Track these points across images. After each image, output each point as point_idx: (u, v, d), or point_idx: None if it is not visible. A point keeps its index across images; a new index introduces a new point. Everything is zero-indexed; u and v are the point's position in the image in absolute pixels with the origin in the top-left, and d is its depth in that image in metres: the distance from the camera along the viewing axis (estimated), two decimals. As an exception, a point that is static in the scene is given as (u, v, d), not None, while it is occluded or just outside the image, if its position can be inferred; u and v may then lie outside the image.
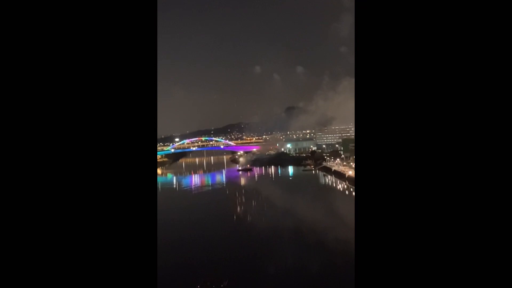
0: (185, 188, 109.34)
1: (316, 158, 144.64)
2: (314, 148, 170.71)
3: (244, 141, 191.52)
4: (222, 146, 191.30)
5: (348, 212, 60.43)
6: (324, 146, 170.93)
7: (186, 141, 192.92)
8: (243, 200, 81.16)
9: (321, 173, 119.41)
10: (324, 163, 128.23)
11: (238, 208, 72.91)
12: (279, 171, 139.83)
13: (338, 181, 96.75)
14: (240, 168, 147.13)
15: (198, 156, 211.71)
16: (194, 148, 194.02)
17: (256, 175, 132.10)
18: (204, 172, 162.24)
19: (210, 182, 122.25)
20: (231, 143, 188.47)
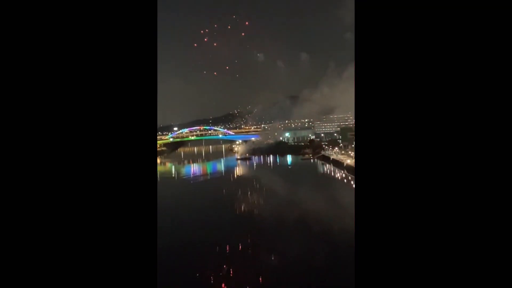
0: (184, 177, 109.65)
1: (315, 147, 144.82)
2: (313, 137, 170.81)
3: (243, 130, 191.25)
4: (220, 135, 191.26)
5: (346, 200, 60.87)
6: (322, 135, 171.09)
7: (185, 130, 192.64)
8: (242, 188, 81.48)
9: (319, 162, 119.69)
10: (322, 152, 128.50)
11: (237, 197, 73.27)
12: (278, 160, 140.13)
13: (337, 170, 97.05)
14: (238, 157, 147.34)
15: (196, 145, 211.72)
16: (192, 137, 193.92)
17: (254, 164, 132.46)
18: (203, 161, 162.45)
19: (208, 171, 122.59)
20: (230, 132, 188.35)
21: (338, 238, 40.29)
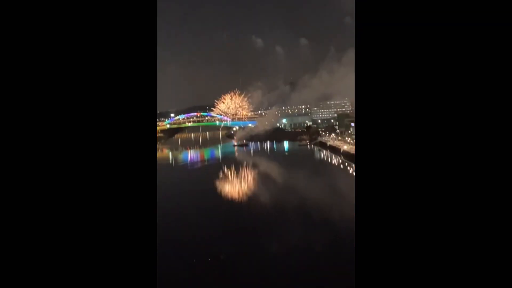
0: (181, 164, 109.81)
1: (312, 133, 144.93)
2: (310, 123, 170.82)
3: (240, 117, 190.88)
4: (217, 122, 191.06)
5: (343, 186, 61.32)
6: (319, 121, 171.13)
7: (182, 116, 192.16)
8: (239, 175, 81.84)
9: (316, 148, 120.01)
10: (319, 138, 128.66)
11: (234, 183, 73.67)
12: (275, 146, 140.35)
13: (333, 156, 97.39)
14: (235, 144, 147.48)
15: (193, 132, 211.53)
16: (189, 124, 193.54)
17: (252, 150, 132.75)
18: (200, 147, 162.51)
19: (206, 158, 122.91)
20: (227, 118, 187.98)
21: (337, 223, 40.81)
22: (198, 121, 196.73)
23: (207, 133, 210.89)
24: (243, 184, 73.70)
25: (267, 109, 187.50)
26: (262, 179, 76.28)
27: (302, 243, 36.52)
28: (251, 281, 28.97)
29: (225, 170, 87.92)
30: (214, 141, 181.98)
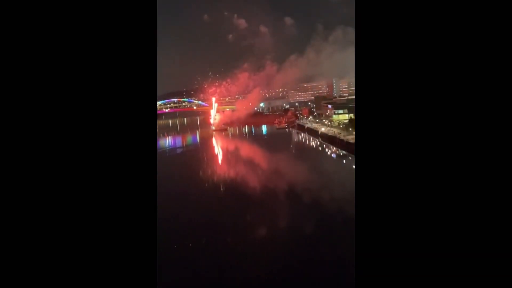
0: (159, 150, 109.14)
1: (289, 116, 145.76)
2: (287, 106, 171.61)
3: (219, 102, 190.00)
4: (195, 107, 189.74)
5: (321, 167, 62.61)
6: (296, 104, 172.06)
7: (160, 102, 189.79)
8: (218, 159, 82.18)
9: (294, 131, 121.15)
10: (297, 121, 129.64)
11: (213, 167, 74.02)
12: (253, 130, 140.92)
13: (311, 138, 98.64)
14: (214, 128, 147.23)
15: (171, 118, 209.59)
16: (166, 110, 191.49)
17: (230, 135, 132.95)
18: (178, 133, 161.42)
19: (185, 143, 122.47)
20: (205, 103, 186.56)
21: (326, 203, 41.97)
22: (176, 107, 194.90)
23: (185, 118, 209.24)
24: (222, 167, 74.14)
25: (244, 93, 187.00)
26: (239, 159, 77.01)
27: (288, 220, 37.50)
28: (237, 265, 29.60)
29: (204, 155, 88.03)
30: (192, 127, 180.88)
